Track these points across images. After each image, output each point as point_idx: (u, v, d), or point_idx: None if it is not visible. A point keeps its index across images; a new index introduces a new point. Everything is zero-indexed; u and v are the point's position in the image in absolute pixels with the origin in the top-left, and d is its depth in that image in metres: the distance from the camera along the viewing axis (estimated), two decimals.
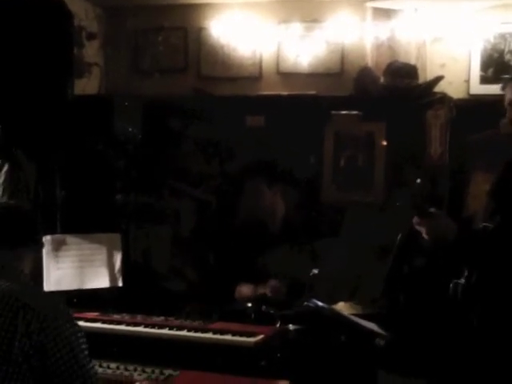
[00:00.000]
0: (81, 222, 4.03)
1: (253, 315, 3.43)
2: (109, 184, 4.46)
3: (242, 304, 3.63)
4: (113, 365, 2.96)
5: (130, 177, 4.50)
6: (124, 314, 3.37)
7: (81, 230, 3.75)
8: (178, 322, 3.25)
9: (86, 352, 2.39)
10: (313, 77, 4.93)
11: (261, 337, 3.04)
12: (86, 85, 4.94)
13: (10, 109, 3.52)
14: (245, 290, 3.82)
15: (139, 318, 3.32)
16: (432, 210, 2.79)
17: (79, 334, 2.40)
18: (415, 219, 2.81)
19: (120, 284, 3.68)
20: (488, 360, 2.70)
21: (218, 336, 3.07)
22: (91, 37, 4.94)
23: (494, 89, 4.41)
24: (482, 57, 4.67)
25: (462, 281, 2.72)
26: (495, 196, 2.86)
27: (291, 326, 3.20)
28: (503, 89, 3.01)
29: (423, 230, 2.79)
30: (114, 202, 4.46)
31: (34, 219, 2.65)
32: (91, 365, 2.41)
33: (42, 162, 4.07)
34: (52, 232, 3.72)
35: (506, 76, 4.29)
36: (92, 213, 4.21)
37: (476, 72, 4.69)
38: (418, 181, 2.85)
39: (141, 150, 4.56)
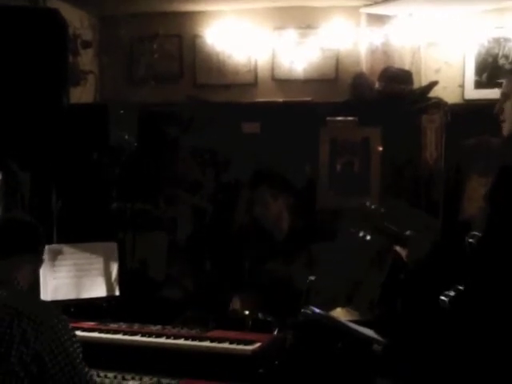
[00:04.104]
0: (77, 231, 4.02)
1: (250, 323, 3.43)
2: (105, 192, 4.45)
3: (236, 314, 3.63)
4: (110, 374, 2.96)
5: (126, 185, 4.49)
6: (121, 323, 3.36)
7: (77, 239, 3.74)
8: (175, 331, 3.24)
9: (81, 356, 2.41)
10: (308, 83, 4.94)
11: (258, 344, 3.03)
12: (82, 93, 4.94)
13: (3, 118, 3.51)
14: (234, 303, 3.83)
15: (136, 327, 3.31)
16: (407, 233, 2.81)
17: (74, 339, 2.42)
18: (397, 246, 2.83)
19: (117, 293, 3.67)
20: (483, 364, 2.72)
21: (215, 344, 3.07)
22: (86, 45, 4.94)
23: (489, 93, 4.45)
24: (477, 61, 4.68)
25: (452, 293, 2.74)
26: (490, 201, 2.88)
27: (289, 334, 3.20)
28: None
29: (404, 254, 2.81)
30: (110, 210, 4.46)
31: (37, 231, 2.66)
32: (87, 369, 2.42)
33: (36, 172, 4.07)
34: (48, 242, 3.70)
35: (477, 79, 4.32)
36: (88, 221, 4.20)
37: (470, 77, 4.70)
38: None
39: (137, 157, 4.56)
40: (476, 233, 2.78)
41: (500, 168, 2.93)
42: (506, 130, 2.87)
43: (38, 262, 2.76)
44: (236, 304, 3.75)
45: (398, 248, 2.83)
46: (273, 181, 4.11)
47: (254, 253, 4.00)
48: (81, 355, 2.42)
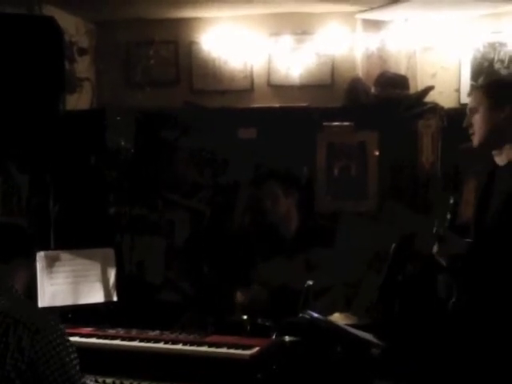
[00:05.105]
0: (75, 236, 4.02)
1: (248, 327, 3.42)
2: (102, 197, 4.46)
3: (237, 315, 3.62)
4: (108, 380, 2.96)
5: (123, 189, 4.50)
6: (119, 329, 3.35)
7: (75, 244, 3.73)
8: (173, 336, 3.23)
9: (78, 367, 2.39)
10: (304, 88, 4.95)
11: (256, 349, 3.02)
12: (78, 100, 4.95)
13: (1, 121, 3.52)
14: (238, 296, 3.82)
15: (134, 332, 3.30)
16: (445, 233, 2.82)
17: (70, 350, 2.39)
18: (437, 249, 2.82)
19: (115, 298, 3.66)
20: (482, 367, 2.72)
21: (213, 349, 3.06)
22: (82, 52, 4.95)
23: None
24: (472, 66, 4.71)
25: (453, 298, 2.76)
26: (480, 205, 2.90)
27: (287, 338, 3.19)
28: (469, 95, 3.08)
29: (444, 256, 2.81)
30: (107, 214, 4.46)
31: (28, 235, 2.67)
32: (83, 380, 2.41)
33: (34, 176, 4.07)
34: (45, 246, 3.70)
35: (473, 83, 4.37)
36: (86, 226, 4.20)
37: (466, 81, 4.72)
38: (451, 201, 2.87)
39: (134, 162, 4.57)
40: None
41: (487, 173, 2.97)
42: (475, 141, 2.98)
43: (32, 267, 2.76)
44: (240, 298, 3.75)
45: (438, 253, 2.83)
46: (283, 176, 4.07)
47: (255, 253, 3.98)
48: (77, 366, 2.38)
